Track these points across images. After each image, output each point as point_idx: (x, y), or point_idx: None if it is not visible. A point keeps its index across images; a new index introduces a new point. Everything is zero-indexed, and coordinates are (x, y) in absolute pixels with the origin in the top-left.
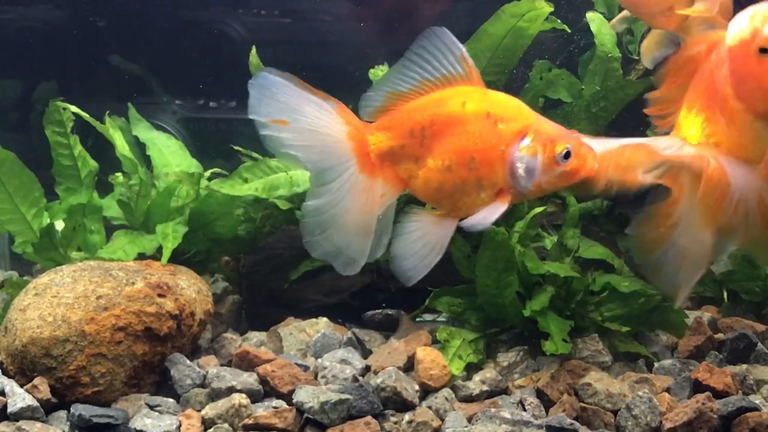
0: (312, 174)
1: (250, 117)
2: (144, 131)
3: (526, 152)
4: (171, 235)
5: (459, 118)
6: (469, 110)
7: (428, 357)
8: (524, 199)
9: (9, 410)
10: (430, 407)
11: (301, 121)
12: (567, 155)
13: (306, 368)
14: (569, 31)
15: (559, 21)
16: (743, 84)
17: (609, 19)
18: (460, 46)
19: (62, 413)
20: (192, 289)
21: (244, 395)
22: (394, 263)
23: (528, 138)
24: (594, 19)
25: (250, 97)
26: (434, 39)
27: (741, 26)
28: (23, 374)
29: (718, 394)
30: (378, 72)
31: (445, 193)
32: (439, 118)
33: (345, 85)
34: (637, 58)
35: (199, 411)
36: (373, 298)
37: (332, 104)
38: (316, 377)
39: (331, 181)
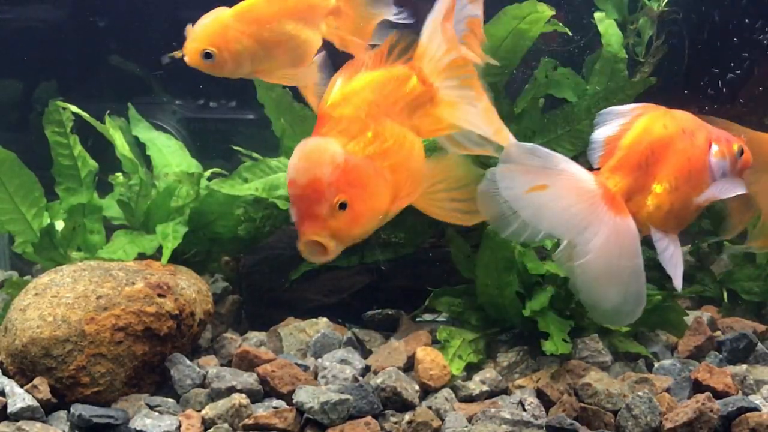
0: (569, 235)
1: (505, 196)
2: (144, 131)
3: (718, 157)
4: (171, 235)
5: (668, 141)
6: (671, 131)
7: (428, 357)
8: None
9: (9, 410)
10: (430, 407)
11: (559, 180)
12: (741, 152)
13: (306, 368)
14: (570, 33)
15: (560, 24)
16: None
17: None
18: None
19: (62, 413)
20: (192, 289)
21: (244, 395)
22: None
23: (714, 144)
24: (601, 19)
25: (503, 177)
26: None
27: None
28: (23, 374)
29: (718, 394)
30: None
31: (673, 213)
32: (655, 146)
33: None
34: (642, 60)
35: (199, 411)
36: (373, 298)
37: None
38: (316, 377)
39: (594, 235)
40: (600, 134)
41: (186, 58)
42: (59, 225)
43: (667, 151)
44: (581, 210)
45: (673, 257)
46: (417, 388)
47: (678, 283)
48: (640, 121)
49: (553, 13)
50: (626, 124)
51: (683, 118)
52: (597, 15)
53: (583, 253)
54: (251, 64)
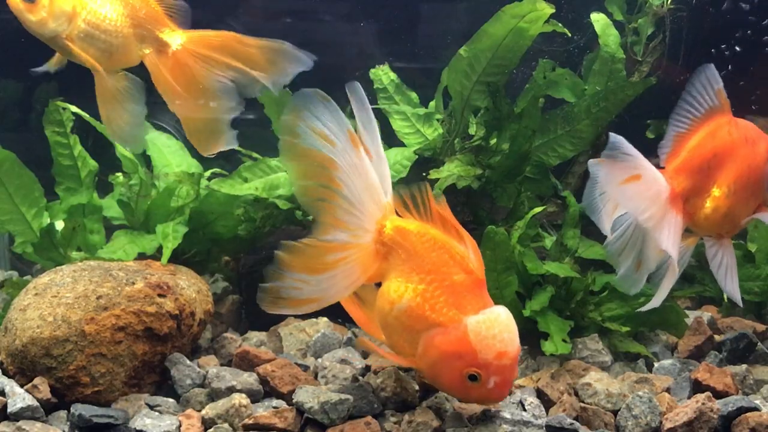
0: (645, 222)
1: (603, 190)
2: None
3: None
4: (171, 235)
5: (731, 147)
6: (735, 138)
7: None
8: None
9: (9, 410)
10: (430, 407)
11: (647, 169)
12: None
13: (306, 368)
14: (569, 34)
15: (559, 24)
16: (435, 358)
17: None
18: (719, 79)
19: (62, 413)
20: (192, 289)
21: (244, 395)
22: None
23: None
24: (598, 20)
25: (599, 175)
26: (700, 76)
27: (487, 344)
28: (23, 374)
29: (718, 394)
30: (379, 72)
31: (729, 217)
32: (719, 151)
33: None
34: (641, 59)
35: (199, 411)
36: None
37: None
38: (316, 377)
39: (657, 226)
40: (671, 130)
41: None
42: (59, 225)
43: (729, 157)
44: (656, 204)
45: (724, 265)
46: (417, 388)
47: (735, 297)
48: (706, 126)
49: (553, 10)
50: (696, 124)
51: (747, 126)
52: (593, 15)
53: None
54: (67, 27)
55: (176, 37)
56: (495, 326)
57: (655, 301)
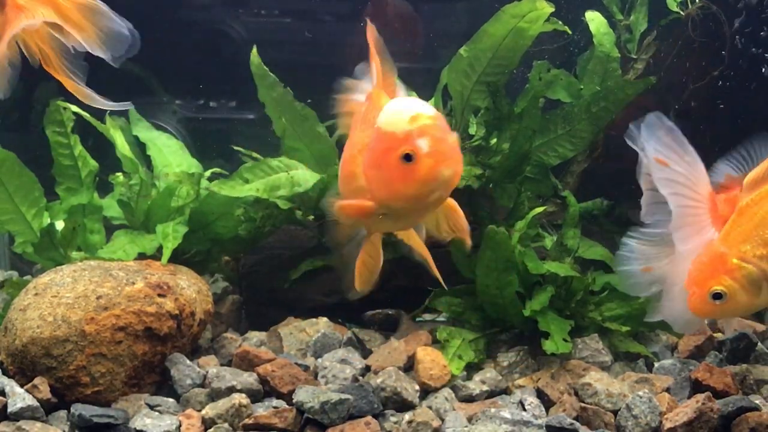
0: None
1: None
2: (144, 131)
3: None
4: (171, 235)
5: None
6: None
7: (428, 357)
8: None
9: (9, 410)
10: (430, 407)
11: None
12: None
13: (306, 368)
14: (570, 32)
15: (560, 22)
16: (374, 168)
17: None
18: None
19: (62, 413)
20: (192, 289)
21: (244, 395)
22: None
23: None
24: (593, 19)
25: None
26: None
27: (398, 119)
28: (23, 374)
29: (718, 394)
30: None
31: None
32: None
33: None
34: (635, 57)
35: (199, 411)
36: (373, 298)
37: None
38: (316, 377)
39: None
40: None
41: None
42: (59, 225)
43: None
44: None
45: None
46: (417, 387)
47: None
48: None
49: (553, 9)
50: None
51: None
52: (588, 14)
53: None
54: None
55: None
56: (398, 105)
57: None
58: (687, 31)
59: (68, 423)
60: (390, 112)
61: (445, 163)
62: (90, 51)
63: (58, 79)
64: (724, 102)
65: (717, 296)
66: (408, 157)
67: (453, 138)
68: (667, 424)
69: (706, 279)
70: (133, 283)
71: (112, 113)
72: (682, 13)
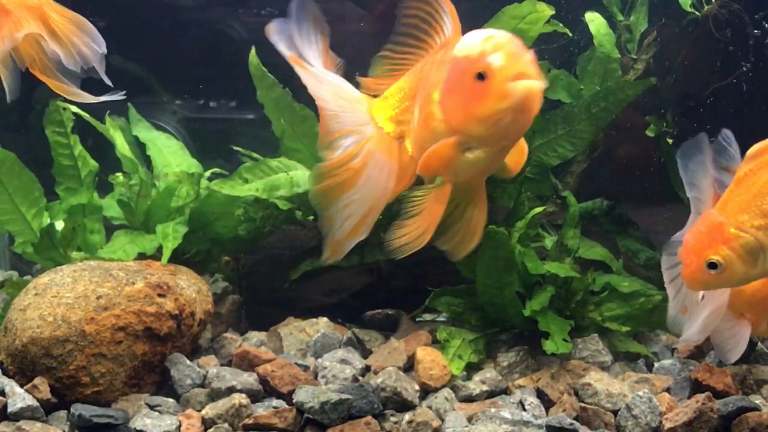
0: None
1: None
2: (144, 131)
3: None
4: (171, 235)
5: None
6: None
7: (428, 357)
8: None
9: (9, 410)
10: (430, 407)
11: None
12: None
13: (306, 368)
14: (570, 34)
15: (560, 24)
16: (450, 96)
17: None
18: None
19: (62, 413)
20: (192, 289)
21: (244, 395)
22: None
23: None
24: (593, 19)
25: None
26: None
27: (472, 43)
28: (23, 374)
29: (718, 394)
30: None
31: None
32: None
33: None
34: (635, 57)
35: (199, 411)
36: (373, 298)
37: None
38: (316, 377)
39: None
40: None
41: None
42: (59, 225)
43: None
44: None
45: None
46: (417, 388)
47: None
48: None
49: (553, 12)
50: None
51: None
52: (588, 15)
53: None
54: None
55: None
56: (473, 33)
57: (692, 335)
58: (701, 30)
59: (68, 423)
60: (465, 40)
61: (520, 79)
62: (64, 63)
63: (43, 80)
64: (749, 100)
65: (713, 266)
66: (481, 76)
67: (529, 55)
68: (667, 424)
69: (702, 248)
70: (133, 283)
71: (112, 113)
72: (698, 13)
